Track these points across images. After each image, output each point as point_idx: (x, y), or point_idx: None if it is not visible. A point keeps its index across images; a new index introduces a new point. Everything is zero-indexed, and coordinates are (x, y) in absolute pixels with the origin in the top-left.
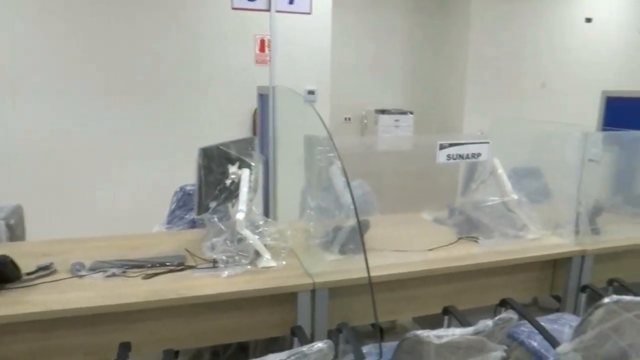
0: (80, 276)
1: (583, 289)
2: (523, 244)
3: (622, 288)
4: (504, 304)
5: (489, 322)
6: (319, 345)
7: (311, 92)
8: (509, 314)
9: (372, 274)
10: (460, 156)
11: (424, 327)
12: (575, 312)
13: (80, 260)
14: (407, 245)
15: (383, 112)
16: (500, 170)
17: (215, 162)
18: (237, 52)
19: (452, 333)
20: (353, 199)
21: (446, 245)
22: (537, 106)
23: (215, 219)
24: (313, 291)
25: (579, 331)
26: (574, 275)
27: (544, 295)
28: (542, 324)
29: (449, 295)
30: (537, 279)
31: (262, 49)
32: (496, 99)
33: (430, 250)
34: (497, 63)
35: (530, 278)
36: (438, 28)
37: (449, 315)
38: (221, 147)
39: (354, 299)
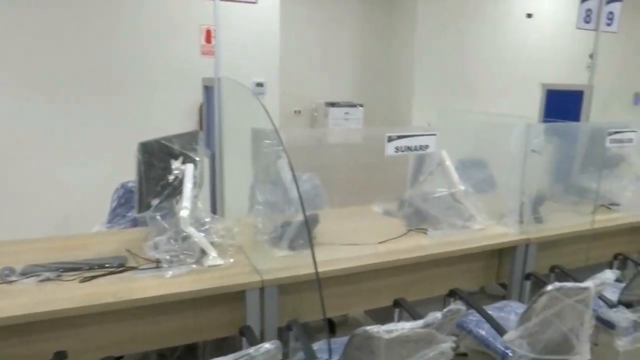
0: (10, 282)
1: (527, 276)
2: (470, 235)
3: (563, 274)
4: (453, 294)
5: (438, 315)
6: (266, 346)
7: (260, 85)
8: (457, 306)
9: (322, 269)
10: (409, 148)
11: (376, 320)
12: (520, 299)
13: (10, 264)
14: (358, 239)
15: (333, 104)
16: (448, 162)
17: (156, 158)
18: (182, 43)
19: (401, 327)
20: (299, 193)
21: (396, 238)
22: (482, 99)
23: (158, 217)
24: (262, 289)
25: (524, 318)
26: (519, 264)
27: (491, 283)
28: (490, 312)
29: (400, 287)
30: (484, 267)
31: (208, 40)
32: (444, 93)
33: (380, 243)
34: (444, 57)
35: (477, 267)
36: (386, 21)
37: (400, 308)
38: (163, 142)
39: (305, 295)
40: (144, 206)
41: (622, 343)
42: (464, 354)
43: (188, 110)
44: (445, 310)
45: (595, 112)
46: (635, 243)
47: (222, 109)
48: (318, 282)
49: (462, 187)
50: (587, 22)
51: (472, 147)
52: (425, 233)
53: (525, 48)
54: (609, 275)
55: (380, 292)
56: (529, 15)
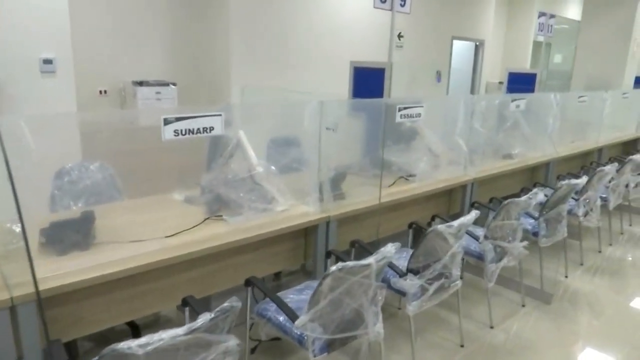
0: None
1: (328, 254)
2: (272, 217)
3: (362, 249)
4: (249, 283)
5: (209, 316)
6: None
7: (48, 62)
8: (231, 303)
9: (98, 272)
10: (190, 131)
11: (191, 316)
12: None
13: None
14: (145, 233)
15: (141, 83)
16: (246, 143)
17: None
18: None
19: (158, 339)
20: (15, 193)
21: (190, 229)
22: (300, 75)
23: None
24: (13, 308)
25: (312, 302)
26: (321, 242)
27: (299, 263)
28: (291, 295)
29: (195, 281)
30: (290, 249)
31: None
32: (263, 71)
33: (169, 236)
34: (261, 33)
35: (283, 249)
36: (197, 3)
37: (189, 306)
38: None
39: (83, 304)
40: None
41: (412, 308)
42: (277, 339)
43: None
44: (216, 310)
45: (404, 88)
46: (429, 210)
47: None
48: (39, 303)
49: (260, 169)
50: (383, 2)
51: (280, 125)
52: (224, 220)
53: (341, 26)
54: (390, 248)
55: (173, 290)
56: None
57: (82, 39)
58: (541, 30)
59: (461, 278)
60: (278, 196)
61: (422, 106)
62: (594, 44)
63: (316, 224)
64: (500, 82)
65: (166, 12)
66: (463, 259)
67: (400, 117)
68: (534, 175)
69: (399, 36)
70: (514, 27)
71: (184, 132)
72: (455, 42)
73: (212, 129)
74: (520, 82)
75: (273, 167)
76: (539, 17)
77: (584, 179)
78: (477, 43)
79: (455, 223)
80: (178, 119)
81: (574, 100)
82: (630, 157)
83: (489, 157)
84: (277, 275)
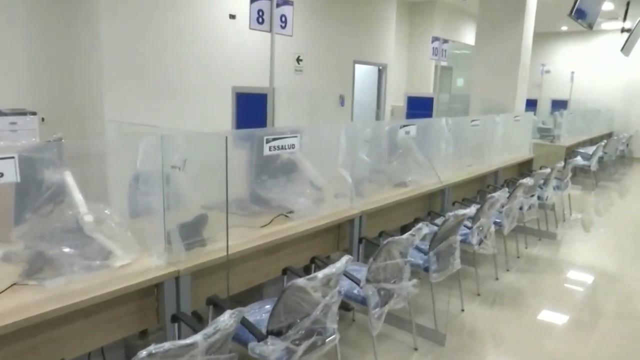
0: None
1: (173, 318)
2: (108, 276)
3: (220, 309)
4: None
5: None
6: None
7: None
8: None
9: None
10: None
11: None
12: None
13: None
14: None
15: None
16: (72, 187)
17: None
18: None
19: None
20: None
21: None
22: (183, 102)
23: None
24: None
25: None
26: (169, 302)
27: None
28: None
29: None
30: (136, 311)
31: None
32: (142, 99)
33: None
34: (140, 61)
35: (125, 313)
36: (65, 18)
37: None
38: None
39: None
40: None
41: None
42: None
43: None
44: None
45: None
46: (312, 250)
47: None
48: None
49: (89, 218)
50: (260, 23)
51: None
52: (40, 284)
53: (227, 49)
54: (229, 319)
55: None
56: (232, 17)
57: None
58: (435, 55)
59: (353, 320)
60: (116, 249)
61: (295, 136)
62: (487, 69)
63: (161, 280)
64: None
65: (28, 36)
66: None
67: (270, 150)
68: (431, 203)
69: (298, 60)
70: (415, 51)
71: None
72: (360, 66)
73: (1, 174)
74: (419, 106)
75: (108, 211)
76: (432, 41)
77: (472, 209)
78: (380, 67)
79: (320, 274)
80: None
81: (467, 125)
82: (521, 181)
83: (382, 186)
84: (144, 332)
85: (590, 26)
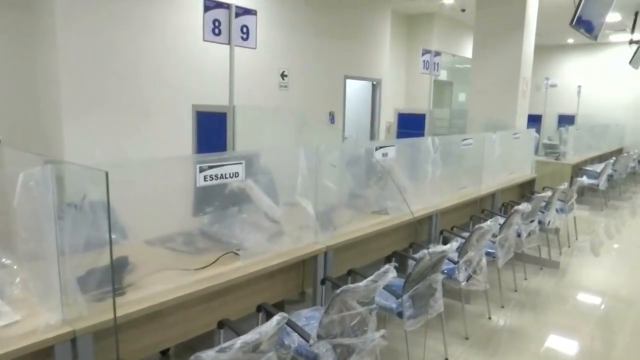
0: None
1: None
2: None
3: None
4: None
5: None
6: None
7: None
8: None
9: None
10: None
11: None
12: None
13: None
14: None
15: None
16: None
17: None
18: None
19: None
20: None
21: None
22: (143, 123)
23: None
24: None
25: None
26: None
27: None
28: None
29: None
30: None
31: None
32: (106, 123)
33: None
34: (100, 84)
35: None
36: (22, 37)
37: None
38: None
39: None
40: None
41: None
42: None
43: None
44: None
45: (293, 131)
46: (268, 293)
47: None
48: None
49: None
50: (217, 35)
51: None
52: None
53: (185, 66)
54: None
55: None
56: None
57: None
58: (426, 68)
59: None
60: (2, 305)
61: (240, 163)
62: (485, 84)
63: (49, 344)
64: None
65: None
66: None
67: (205, 180)
68: (417, 232)
69: (283, 75)
70: (413, 65)
71: None
72: (353, 81)
73: None
74: (410, 123)
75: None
76: (423, 54)
77: (453, 244)
78: (374, 82)
79: (239, 342)
80: None
81: (458, 144)
82: (516, 207)
83: (361, 213)
84: None
85: (595, 37)
